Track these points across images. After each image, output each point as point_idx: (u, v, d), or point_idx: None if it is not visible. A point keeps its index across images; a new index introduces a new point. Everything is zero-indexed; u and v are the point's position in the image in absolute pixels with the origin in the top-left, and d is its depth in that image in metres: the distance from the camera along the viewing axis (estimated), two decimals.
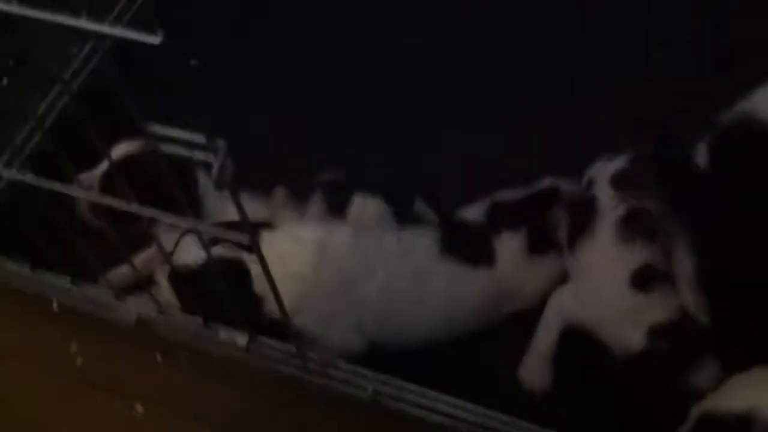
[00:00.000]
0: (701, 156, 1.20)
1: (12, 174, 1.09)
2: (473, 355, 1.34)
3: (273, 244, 1.24)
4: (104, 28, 0.73)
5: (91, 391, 1.36)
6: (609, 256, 1.28)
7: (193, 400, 1.33)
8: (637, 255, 1.25)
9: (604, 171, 1.37)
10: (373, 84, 1.68)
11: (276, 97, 1.70)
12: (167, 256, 1.15)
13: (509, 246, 1.35)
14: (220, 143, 0.81)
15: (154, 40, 0.70)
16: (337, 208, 1.42)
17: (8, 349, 1.41)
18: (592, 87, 1.62)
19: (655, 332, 1.22)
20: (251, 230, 0.92)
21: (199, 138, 0.81)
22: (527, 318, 1.35)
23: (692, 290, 1.17)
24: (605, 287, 1.27)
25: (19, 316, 1.44)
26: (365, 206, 1.40)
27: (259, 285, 1.21)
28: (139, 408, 1.33)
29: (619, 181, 1.33)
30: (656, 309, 1.23)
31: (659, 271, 1.24)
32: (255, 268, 1.16)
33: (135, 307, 1.26)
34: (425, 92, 1.66)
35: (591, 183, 1.38)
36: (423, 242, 1.34)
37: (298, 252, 1.26)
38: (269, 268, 1.02)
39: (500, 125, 1.60)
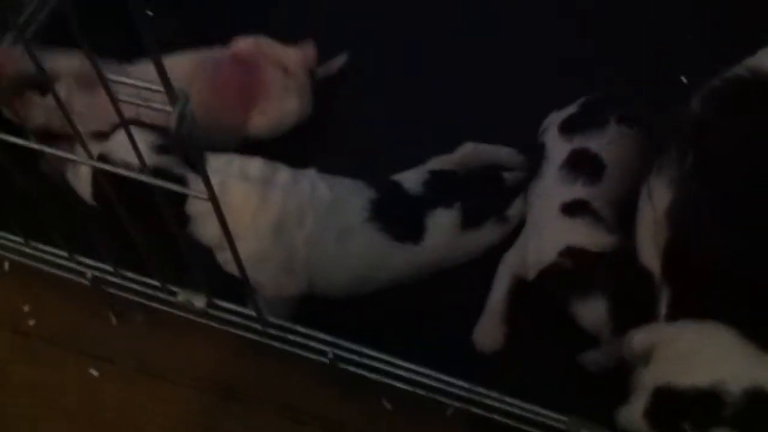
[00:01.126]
0: (697, 102, 1.20)
1: None
2: (432, 319, 1.33)
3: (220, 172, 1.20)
4: None
5: (44, 352, 1.34)
6: (549, 194, 1.30)
7: (147, 362, 1.32)
8: (576, 192, 1.27)
9: (554, 118, 1.39)
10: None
11: None
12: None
13: (441, 223, 1.31)
14: (180, 92, 0.78)
15: None
16: None
17: None
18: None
19: (566, 252, 1.21)
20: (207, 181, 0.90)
21: (157, 87, 0.78)
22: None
23: (656, 228, 1.17)
24: (542, 219, 1.29)
25: None
26: None
27: (193, 207, 1.17)
28: (94, 371, 1.31)
29: (566, 126, 1.35)
30: (576, 234, 1.23)
31: (592, 208, 1.25)
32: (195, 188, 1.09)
33: (89, 267, 1.22)
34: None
35: (543, 132, 1.39)
36: (355, 200, 1.29)
37: (244, 189, 1.21)
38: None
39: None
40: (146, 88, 0.80)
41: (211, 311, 1.17)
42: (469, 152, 1.46)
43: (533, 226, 1.31)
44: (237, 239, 1.07)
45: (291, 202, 1.23)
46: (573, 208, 1.26)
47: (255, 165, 1.23)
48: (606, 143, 1.32)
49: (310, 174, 1.28)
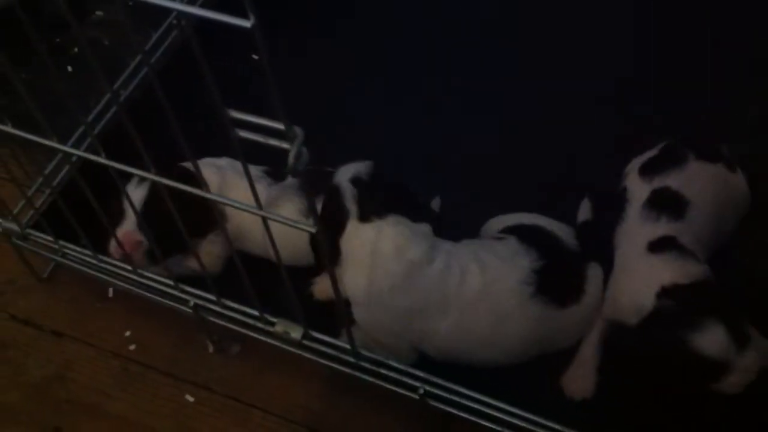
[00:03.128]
0: None
1: (83, 153, 1.10)
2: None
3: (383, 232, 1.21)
4: (192, 9, 0.74)
5: (142, 377, 1.38)
6: (633, 235, 1.29)
7: (240, 391, 1.35)
8: (660, 229, 1.26)
9: (635, 163, 1.39)
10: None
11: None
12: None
13: (597, 275, 1.30)
14: (298, 131, 0.82)
15: (246, 24, 0.71)
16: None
17: (65, 332, 1.44)
18: None
19: (663, 293, 1.19)
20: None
21: (277, 125, 0.82)
22: None
23: None
24: (630, 261, 1.27)
25: (76, 300, 1.47)
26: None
27: (346, 248, 1.22)
28: (189, 397, 1.35)
29: (646, 168, 1.35)
30: (668, 271, 1.21)
31: (678, 243, 1.24)
32: (350, 230, 1.22)
33: (192, 295, 1.27)
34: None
35: (624, 176, 1.39)
36: (512, 279, 1.23)
37: (392, 267, 1.19)
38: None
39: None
40: (266, 126, 0.84)
41: (306, 342, 1.19)
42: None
43: (621, 269, 1.30)
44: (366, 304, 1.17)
45: (434, 293, 1.21)
46: (659, 245, 1.25)
47: (417, 248, 1.20)
48: (686, 179, 1.31)
49: (463, 253, 1.24)
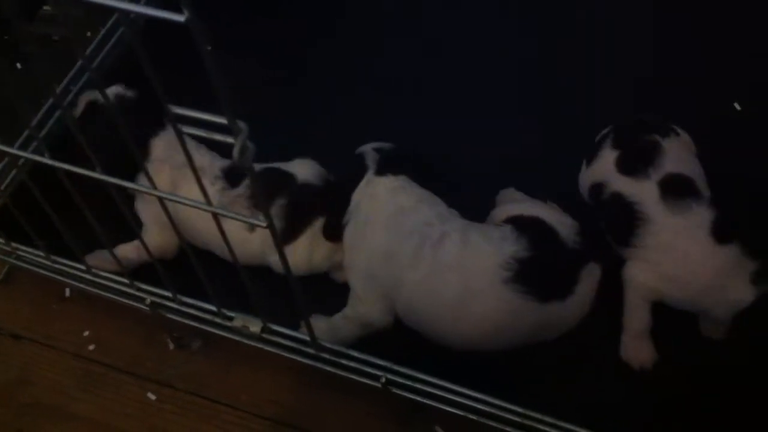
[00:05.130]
0: None
1: (30, 155, 1.08)
2: None
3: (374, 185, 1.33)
4: (129, 6, 0.73)
5: (103, 376, 1.37)
6: (675, 228, 1.29)
7: (204, 387, 1.34)
8: (698, 215, 1.29)
9: (602, 168, 1.39)
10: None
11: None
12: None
13: (594, 276, 1.29)
14: (242, 125, 0.81)
15: (180, 18, 0.70)
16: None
17: (24, 335, 1.42)
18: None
19: (759, 277, 1.23)
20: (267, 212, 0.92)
21: (220, 119, 0.81)
22: None
23: None
24: (691, 254, 1.28)
25: (33, 301, 1.45)
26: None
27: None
28: (151, 395, 1.34)
29: (630, 167, 1.35)
30: (747, 257, 1.26)
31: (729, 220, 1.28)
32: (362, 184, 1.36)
33: (148, 293, 1.26)
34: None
35: (600, 186, 1.38)
36: (489, 260, 1.23)
37: (382, 203, 1.31)
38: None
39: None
40: (210, 121, 0.82)
41: (265, 336, 1.19)
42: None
43: (668, 247, 1.30)
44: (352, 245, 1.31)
45: (410, 241, 1.26)
46: (723, 232, 1.28)
47: (410, 197, 1.32)
48: (675, 160, 1.34)
49: (452, 222, 1.29)
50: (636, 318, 1.32)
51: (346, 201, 1.35)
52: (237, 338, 1.23)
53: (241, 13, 1.82)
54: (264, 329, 1.18)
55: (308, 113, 1.64)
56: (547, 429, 1.15)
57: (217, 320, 1.22)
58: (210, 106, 0.80)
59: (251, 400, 1.32)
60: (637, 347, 1.32)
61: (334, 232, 1.34)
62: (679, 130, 1.41)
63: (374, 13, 1.82)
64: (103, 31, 1.64)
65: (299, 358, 1.22)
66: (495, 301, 1.22)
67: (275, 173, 1.38)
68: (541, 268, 1.24)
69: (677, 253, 1.29)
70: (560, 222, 1.31)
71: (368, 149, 1.39)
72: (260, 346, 1.22)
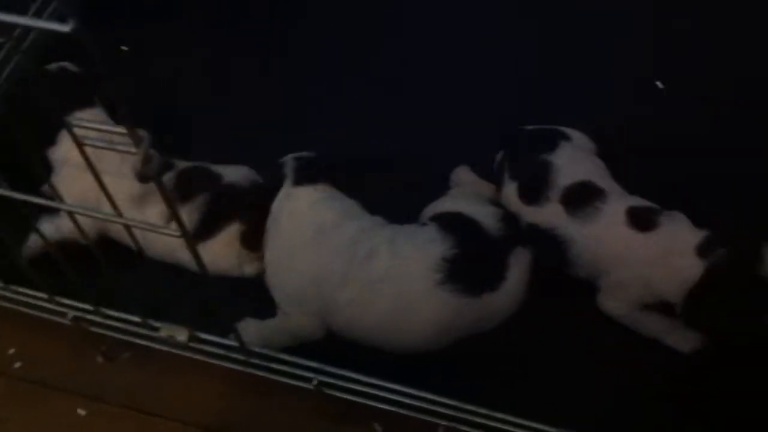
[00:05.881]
0: None
1: None
2: None
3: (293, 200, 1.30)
4: (10, 18, 0.70)
5: (31, 394, 1.33)
6: (598, 236, 1.28)
7: (136, 399, 1.31)
8: (610, 214, 1.28)
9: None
10: None
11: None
12: None
13: (522, 262, 1.29)
14: (143, 134, 0.79)
15: (65, 28, 0.68)
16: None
17: None
18: None
19: (706, 248, 1.22)
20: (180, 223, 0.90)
21: (120, 130, 0.78)
22: None
23: None
24: (621, 253, 1.27)
25: None
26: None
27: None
28: (81, 411, 1.31)
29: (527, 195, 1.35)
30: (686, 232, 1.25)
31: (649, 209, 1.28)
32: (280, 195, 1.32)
33: (69, 307, 1.23)
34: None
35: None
36: (420, 265, 1.23)
37: (299, 225, 1.28)
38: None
39: None
40: (110, 132, 0.80)
41: (193, 345, 1.17)
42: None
43: (606, 256, 1.29)
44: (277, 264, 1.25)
45: (338, 262, 1.24)
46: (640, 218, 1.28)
47: (332, 211, 1.28)
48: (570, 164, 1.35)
49: (379, 233, 1.27)
50: (650, 325, 1.30)
51: (266, 210, 1.32)
52: (165, 348, 1.21)
53: None
54: (191, 338, 1.15)
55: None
56: (481, 420, 1.15)
57: (143, 331, 1.19)
58: None
59: (185, 410, 1.30)
60: (679, 337, 1.29)
61: (252, 241, 1.32)
62: (570, 132, 1.40)
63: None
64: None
65: (229, 365, 1.20)
66: (432, 306, 1.22)
67: (200, 171, 1.36)
68: (469, 263, 1.24)
69: (608, 260, 1.28)
70: (482, 212, 1.32)
71: (288, 159, 1.36)
72: (189, 355, 1.19)
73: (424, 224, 1.31)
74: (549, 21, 1.75)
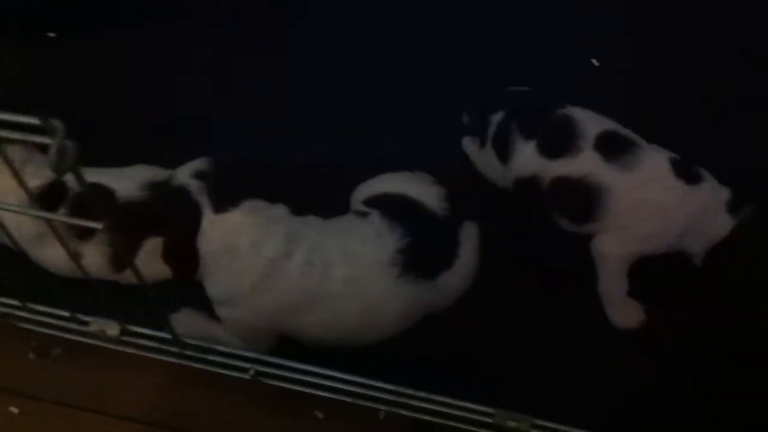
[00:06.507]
0: None
1: None
2: None
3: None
4: None
5: None
6: (638, 184, 1.27)
7: (69, 396, 1.28)
8: (654, 163, 1.28)
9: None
10: None
11: None
12: None
13: (472, 235, 1.30)
14: (58, 124, 0.76)
15: None
16: None
17: None
18: None
19: (735, 204, 1.24)
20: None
21: (33, 120, 0.76)
22: None
23: None
24: (665, 204, 1.27)
25: None
26: None
27: (204, 247, 1.18)
28: (13, 408, 1.27)
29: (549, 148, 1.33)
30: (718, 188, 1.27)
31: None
32: (206, 226, 1.17)
33: None
34: None
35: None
36: (375, 266, 1.21)
37: (253, 263, 1.17)
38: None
39: None
40: (19, 123, 0.77)
41: (126, 338, 1.14)
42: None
43: (637, 205, 1.28)
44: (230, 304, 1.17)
45: (298, 290, 1.18)
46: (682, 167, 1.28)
47: (273, 240, 1.17)
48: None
49: (327, 243, 1.21)
50: (618, 286, 1.32)
51: (177, 222, 1.21)
52: (98, 343, 1.18)
53: None
54: (123, 332, 1.13)
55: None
56: (419, 404, 1.15)
57: (73, 326, 1.16)
58: None
59: (120, 405, 1.28)
60: (626, 310, 1.32)
61: (176, 259, 1.22)
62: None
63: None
64: None
65: (164, 358, 1.18)
66: (396, 300, 1.22)
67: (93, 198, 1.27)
68: (422, 249, 1.24)
69: (650, 209, 1.27)
70: (426, 193, 1.31)
71: (188, 181, 1.19)
72: (121, 349, 1.17)
73: (364, 213, 1.29)
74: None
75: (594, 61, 1.65)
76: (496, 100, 1.42)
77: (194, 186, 1.18)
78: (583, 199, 1.29)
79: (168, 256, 1.21)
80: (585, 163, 1.29)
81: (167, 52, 1.70)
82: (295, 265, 1.17)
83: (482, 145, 1.41)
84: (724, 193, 1.27)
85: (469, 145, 1.47)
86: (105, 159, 1.29)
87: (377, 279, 1.21)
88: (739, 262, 1.25)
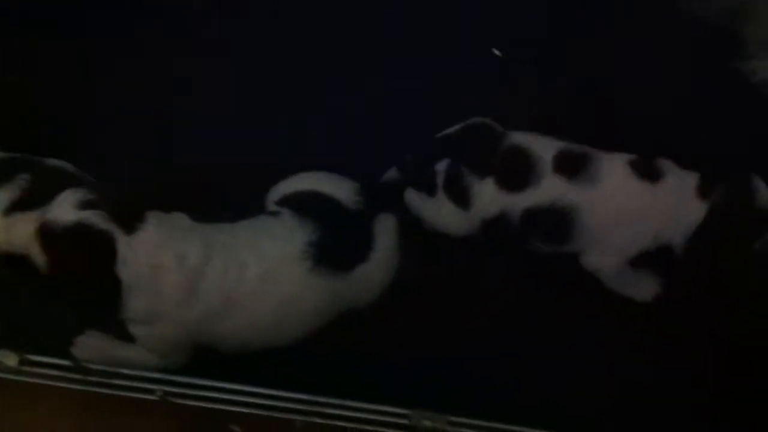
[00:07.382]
0: None
1: None
2: None
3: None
4: None
5: None
6: (604, 196, 1.27)
7: None
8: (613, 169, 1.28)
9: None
10: None
11: None
12: None
13: (389, 227, 1.29)
14: None
15: None
16: None
17: None
18: None
19: (705, 187, 1.25)
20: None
21: None
22: None
23: None
24: (634, 208, 1.27)
25: None
26: None
27: (126, 272, 1.11)
28: None
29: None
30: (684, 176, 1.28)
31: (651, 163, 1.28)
32: (125, 251, 1.10)
33: None
34: None
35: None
36: (287, 261, 1.20)
37: (175, 279, 1.14)
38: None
39: None
40: None
41: (26, 368, 1.11)
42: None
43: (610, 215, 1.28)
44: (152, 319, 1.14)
45: (217, 296, 1.16)
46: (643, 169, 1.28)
47: (194, 250, 1.14)
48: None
49: (240, 244, 1.19)
50: (623, 281, 1.34)
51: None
52: None
53: None
54: (22, 361, 1.10)
55: None
56: (333, 411, 1.15)
57: None
58: None
59: None
60: (640, 286, 1.35)
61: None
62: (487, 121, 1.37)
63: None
64: None
65: (67, 385, 1.15)
66: (310, 295, 1.22)
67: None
68: (334, 240, 1.23)
69: (622, 217, 1.28)
70: (338, 187, 1.31)
71: (79, 215, 1.11)
72: (22, 379, 1.14)
73: (275, 213, 1.28)
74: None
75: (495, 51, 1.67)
76: (433, 149, 1.38)
77: (89, 216, 1.11)
78: (558, 223, 1.29)
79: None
80: (551, 189, 1.28)
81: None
82: (214, 272, 1.16)
83: (430, 195, 1.37)
84: (691, 180, 1.27)
85: (413, 197, 1.40)
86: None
87: (290, 274, 1.20)
88: (719, 244, 1.27)
